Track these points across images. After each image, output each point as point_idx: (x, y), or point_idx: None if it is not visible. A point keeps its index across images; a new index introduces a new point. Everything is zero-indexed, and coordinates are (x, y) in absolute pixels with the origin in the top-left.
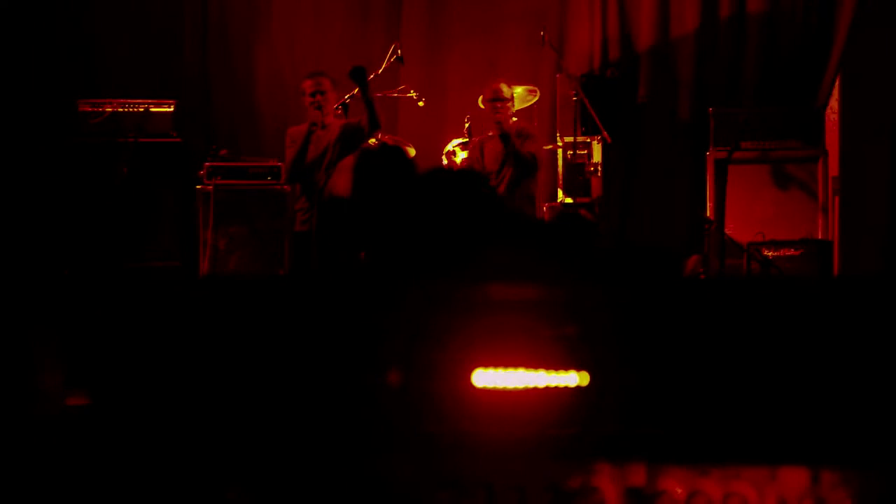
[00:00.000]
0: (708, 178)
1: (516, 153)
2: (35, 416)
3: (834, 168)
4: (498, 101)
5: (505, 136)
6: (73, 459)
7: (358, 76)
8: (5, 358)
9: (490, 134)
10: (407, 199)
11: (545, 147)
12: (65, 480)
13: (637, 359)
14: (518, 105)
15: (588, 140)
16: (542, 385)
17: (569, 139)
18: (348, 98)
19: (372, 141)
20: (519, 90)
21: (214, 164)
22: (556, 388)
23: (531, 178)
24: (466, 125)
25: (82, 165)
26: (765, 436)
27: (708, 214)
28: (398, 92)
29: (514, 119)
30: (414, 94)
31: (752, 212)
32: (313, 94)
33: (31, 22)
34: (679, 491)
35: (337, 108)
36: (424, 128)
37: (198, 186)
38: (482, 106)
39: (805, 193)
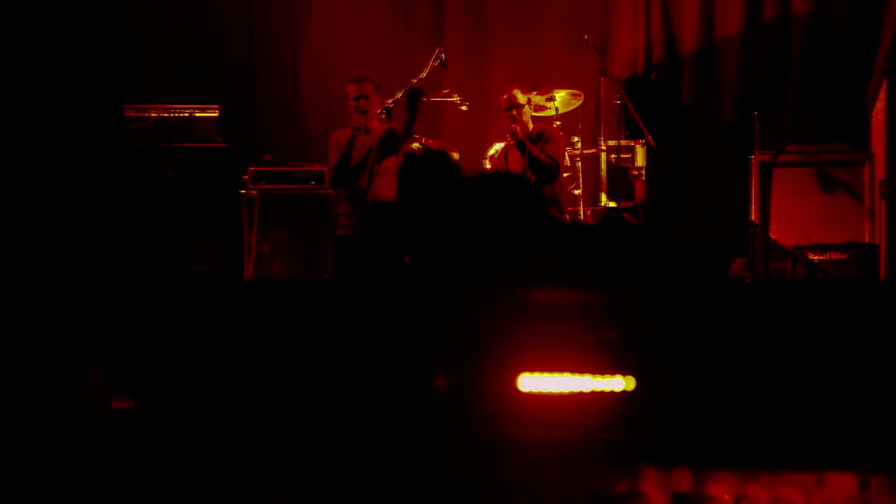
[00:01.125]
0: (753, 181)
1: (535, 160)
2: (82, 420)
3: (880, 171)
4: (514, 108)
5: (521, 144)
6: (119, 462)
7: (413, 97)
8: (53, 361)
9: (511, 142)
10: (452, 203)
11: (587, 151)
12: (110, 483)
13: (683, 363)
14: (562, 109)
15: (632, 144)
16: (587, 389)
17: (612, 143)
18: (391, 102)
19: (416, 145)
20: (562, 94)
21: (258, 168)
22: (601, 392)
23: (554, 181)
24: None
25: (128, 171)
26: (812, 441)
27: (753, 218)
28: (441, 96)
29: (531, 125)
30: (457, 98)
31: (797, 215)
32: (357, 99)
33: (77, 28)
34: (726, 496)
35: (381, 112)
36: (468, 132)
37: (242, 191)
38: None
39: (851, 197)
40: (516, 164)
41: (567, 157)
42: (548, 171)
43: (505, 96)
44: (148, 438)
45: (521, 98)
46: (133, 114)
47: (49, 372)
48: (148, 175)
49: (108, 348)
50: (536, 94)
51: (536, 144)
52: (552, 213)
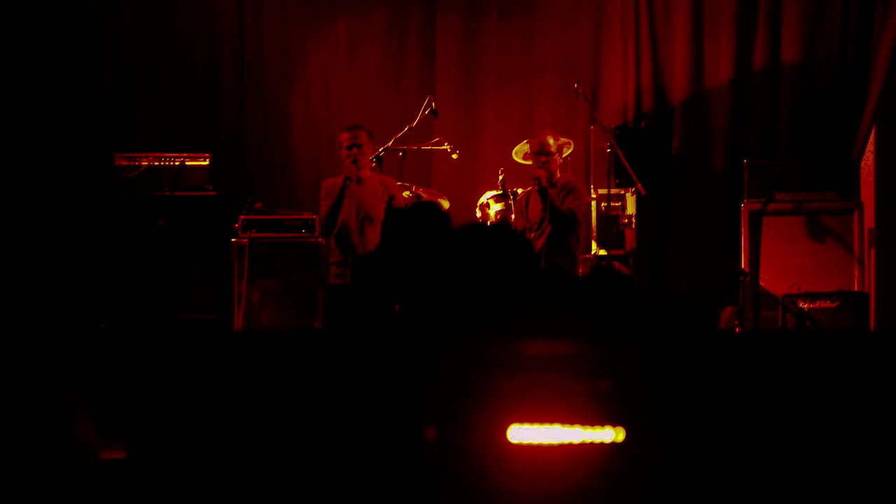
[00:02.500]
0: (742, 229)
1: (554, 209)
2: (71, 470)
3: (870, 220)
4: (543, 154)
5: (543, 191)
6: None
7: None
8: (43, 411)
9: (534, 187)
10: (441, 254)
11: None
12: None
13: (673, 414)
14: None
15: (622, 192)
16: (577, 441)
17: (603, 191)
18: (382, 151)
19: (406, 193)
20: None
21: (249, 216)
22: (591, 443)
23: (572, 234)
24: (500, 177)
25: (119, 219)
26: (802, 495)
27: (743, 266)
28: (432, 144)
29: (559, 174)
30: (448, 146)
31: (788, 264)
32: (350, 147)
33: (70, 76)
34: None
35: (371, 160)
36: (458, 180)
37: (233, 239)
38: (520, 160)
39: (840, 245)
40: (535, 210)
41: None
42: (566, 222)
43: (537, 140)
44: (138, 489)
45: (553, 145)
46: (124, 162)
47: (36, 421)
48: (139, 223)
49: (99, 399)
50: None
51: (559, 194)
52: (563, 265)
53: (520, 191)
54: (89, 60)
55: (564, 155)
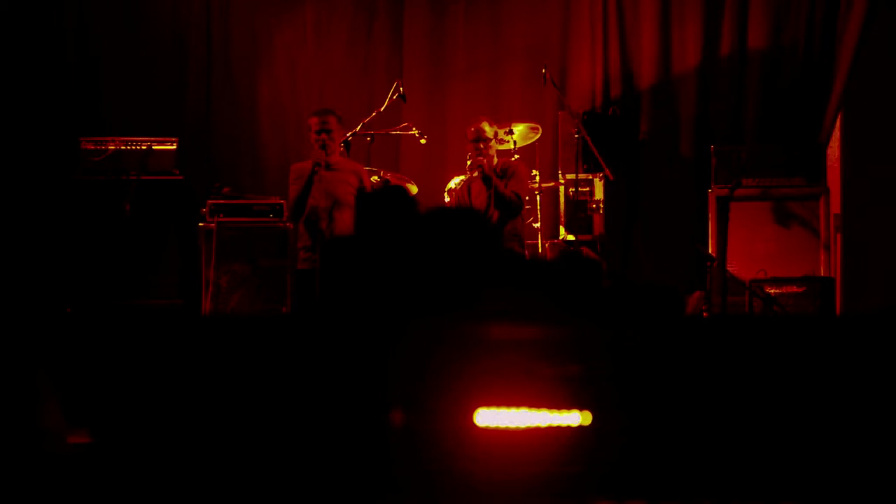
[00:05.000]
0: (710, 215)
1: (499, 195)
2: (37, 455)
3: (836, 205)
4: (481, 141)
5: (487, 179)
6: (74, 498)
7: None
8: (7, 396)
9: (475, 174)
10: (409, 238)
11: (545, 185)
12: None
13: (639, 398)
14: (520, 142)
15: (590, 177)
16: (544, 424)
17: (571, 176)
18: (350, 136)
19: (375, 178)
20: (520, 127)
21: (217, 201)
22: (558, 427)
23: (517, 216)
24: (468, 163)
25: (85, 203)
26: (767, 474)
27: (710, 251)
28: (400, 129)
29: (496, 159)
30: (416, 131)
31: (754, 249)
32: (319, 132)
33: (35, 60)
34: None
35: (340, 145)
36: (426, 165)
37: (200, 224)
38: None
39: (807, 231)
40: (480, 197)
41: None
42: (512, 206)
43: (473, 128)
44: (104, 473)
45: (489, 131)
46: (90, 146)
47: (1, 407)
48: (105, 208)
49: (65, 383)
50: (496, 128)
51: (501, 179)
52: (514, 248)
53: (456, 180)
54: (55, 44)
55: (532, 140)
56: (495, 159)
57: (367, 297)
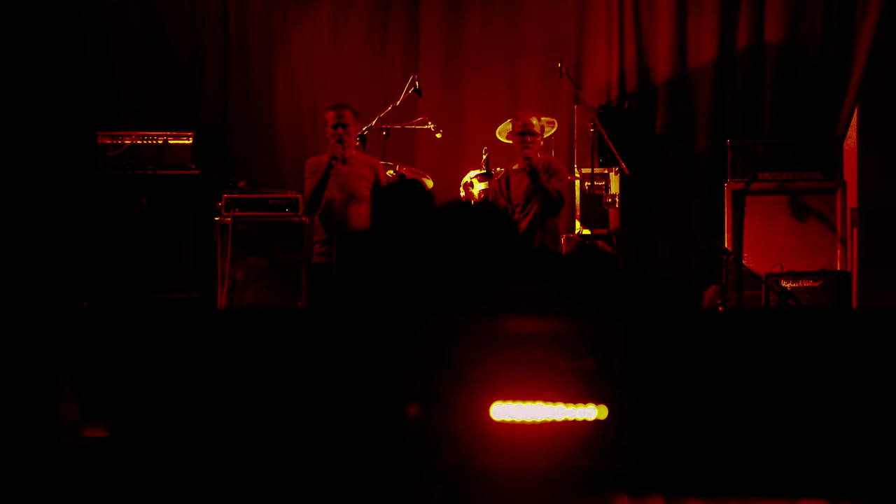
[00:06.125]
0: (726, 209)
1: (544, 190)
2: (54, 448)
3: (852, 199)
4: (528, 134)
5: (534, 173)
6: (91, 491)
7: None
8: (25, 390)
9: (515, 167)
10: (425, 232)
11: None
12: None
13: (655, 391)
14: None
15: (606, 171)
16: (560, 418)
17: (586, 170)
18: (366, 130)
19: (390, 172)
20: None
21: (232, 195)
22: (574, 421)
23: (556, 215)
24: (484, 157)
25: (101, 197)
26: (785, 468)
27: (726, 245)
28: (416, 123)
29: (539, 155)
30: (431, 125)
31: (770, 243)
32: (335, 127)
33: (52, 55)
34: None
35: (355, 139)
36: (442, 159)
37: (216, 218)
38: (504, 139)
39: (823, 224)
40: (518, 190)
41: None
42: (554, 203)
43: (521, 121)
44: (120, 467)
45: (537, 125)
46: (107, 140)
47: (19, 401)
48: (122, 202)
49: (82, 377)
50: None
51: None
52: (544, 245)
53: (472, 174)
54: (71, 38)
55: (547, 135)
56: (538, 155)
57: (383, 290)
